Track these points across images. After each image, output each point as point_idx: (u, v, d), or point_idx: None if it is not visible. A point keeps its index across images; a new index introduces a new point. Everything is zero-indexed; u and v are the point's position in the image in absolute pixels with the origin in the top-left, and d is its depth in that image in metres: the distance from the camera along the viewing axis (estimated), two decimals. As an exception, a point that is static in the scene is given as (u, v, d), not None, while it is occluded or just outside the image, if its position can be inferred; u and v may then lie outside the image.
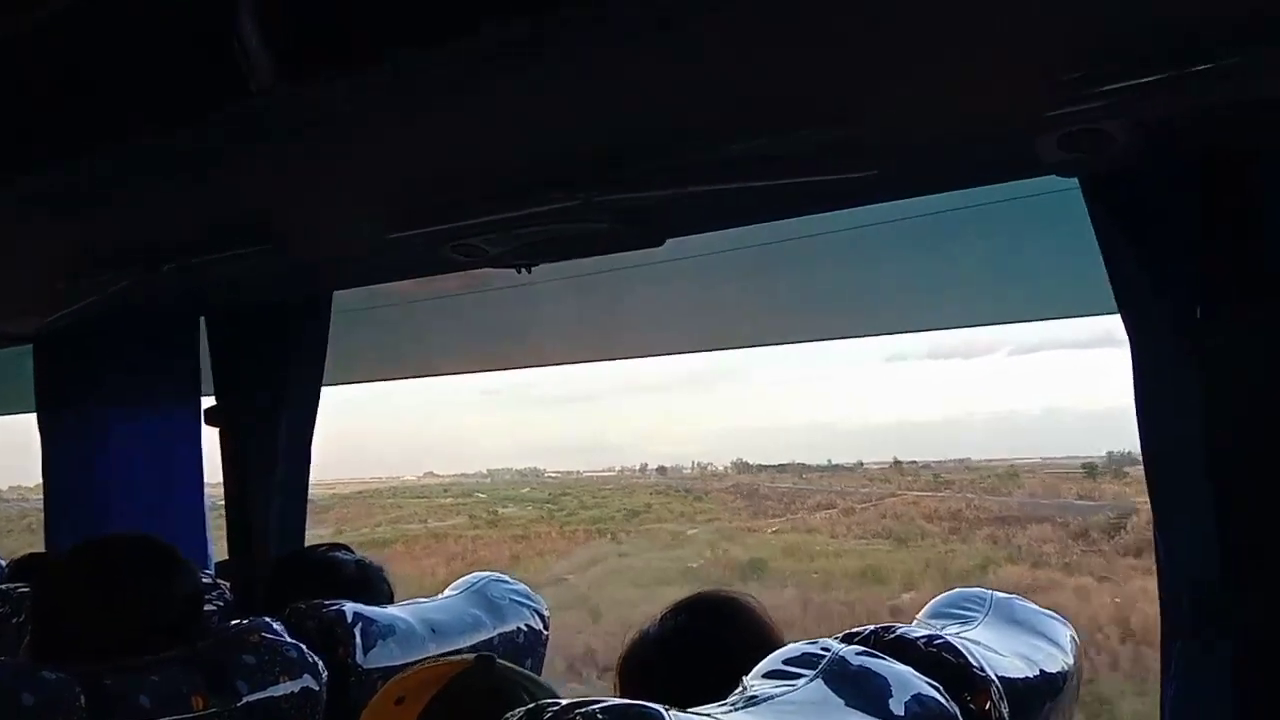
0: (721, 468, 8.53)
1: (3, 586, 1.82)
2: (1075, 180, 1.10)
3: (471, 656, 0.91)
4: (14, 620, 1.71)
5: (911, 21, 0.85)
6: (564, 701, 0.63)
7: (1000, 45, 0.90)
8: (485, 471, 8.95)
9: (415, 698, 0.87)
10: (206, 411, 1.94)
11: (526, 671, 0.94)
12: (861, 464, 8.11)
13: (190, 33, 1.17)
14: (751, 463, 8.41)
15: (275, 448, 1.83)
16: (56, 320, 1.94)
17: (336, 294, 1.84)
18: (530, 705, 0.64)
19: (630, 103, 1.06)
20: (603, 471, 8.95)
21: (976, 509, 7.51)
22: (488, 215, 1.22)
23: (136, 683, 1.11)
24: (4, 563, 2.27)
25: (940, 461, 7.90)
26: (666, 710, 0.64)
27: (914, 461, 7.91)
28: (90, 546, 1.36)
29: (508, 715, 0.64)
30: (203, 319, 1.92)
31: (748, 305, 2.40)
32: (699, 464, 8.60)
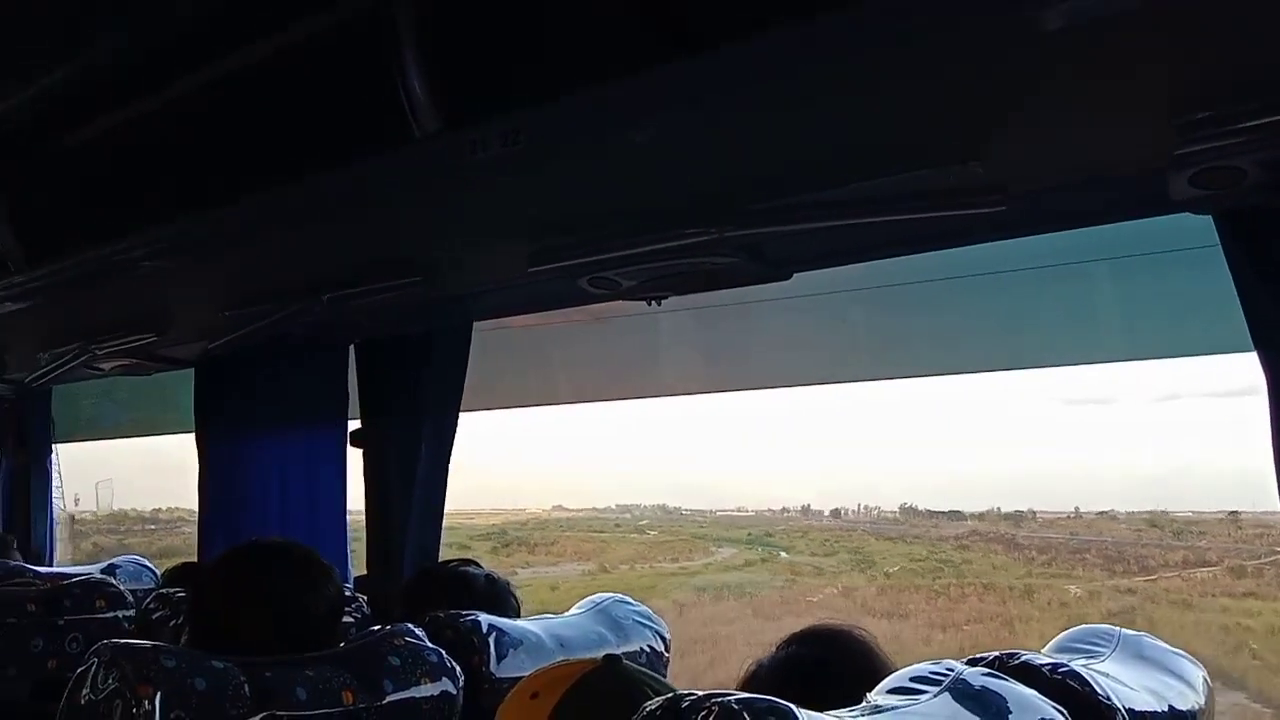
0: (890, 512, 7.70)
1: (162, 590, 1.95)
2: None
3: (600, 656, 0.96)
4: (171, 623, 1.84)
5: (1038, 60, 0.88)
6: (700, 693, 0.67)
7: (1130, 84, 0.91)
8: (615, 506, 8.45)
9: (549, 692, 0.93)
10: (352, 434, 2.05)
11: (649, 671, 0.98)
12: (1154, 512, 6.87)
13: (358, 81, 1.29)
14: (920, 507, 7.51)
15: (414, 469, 1.93)
16: (217, 347, 2.09)
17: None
18: (670, 695, 0.68)
19: (760, 142, 1.11)
20: (733, 511, 8.24)
21: None
22: (623, 250, 1.29)
23: (294, 676, 1.20)
24: (158, 571, 2.44)
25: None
26: (798, 710, 0.68)
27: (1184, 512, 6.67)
28: (241, 551, 1.45)
29: (648, 703, 0.68)
30: (351, 346, 2.05)
31: (870, 338, 2.40)
32: (865, 506, 7.81)
